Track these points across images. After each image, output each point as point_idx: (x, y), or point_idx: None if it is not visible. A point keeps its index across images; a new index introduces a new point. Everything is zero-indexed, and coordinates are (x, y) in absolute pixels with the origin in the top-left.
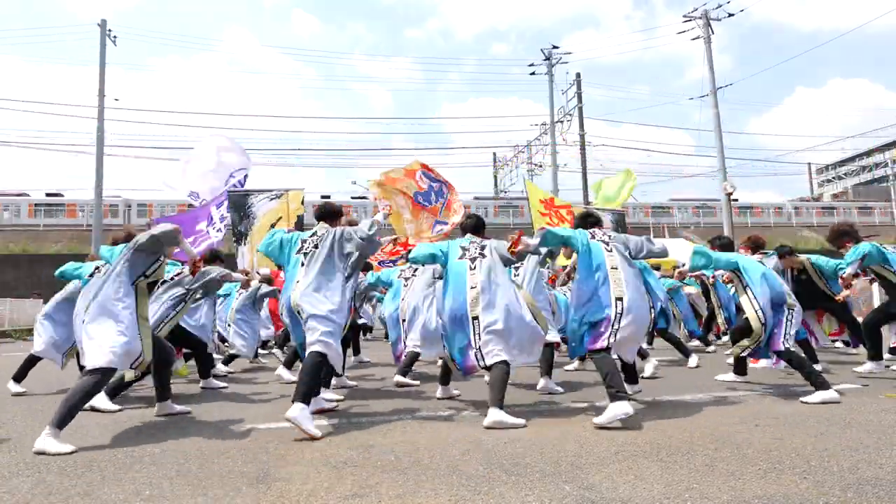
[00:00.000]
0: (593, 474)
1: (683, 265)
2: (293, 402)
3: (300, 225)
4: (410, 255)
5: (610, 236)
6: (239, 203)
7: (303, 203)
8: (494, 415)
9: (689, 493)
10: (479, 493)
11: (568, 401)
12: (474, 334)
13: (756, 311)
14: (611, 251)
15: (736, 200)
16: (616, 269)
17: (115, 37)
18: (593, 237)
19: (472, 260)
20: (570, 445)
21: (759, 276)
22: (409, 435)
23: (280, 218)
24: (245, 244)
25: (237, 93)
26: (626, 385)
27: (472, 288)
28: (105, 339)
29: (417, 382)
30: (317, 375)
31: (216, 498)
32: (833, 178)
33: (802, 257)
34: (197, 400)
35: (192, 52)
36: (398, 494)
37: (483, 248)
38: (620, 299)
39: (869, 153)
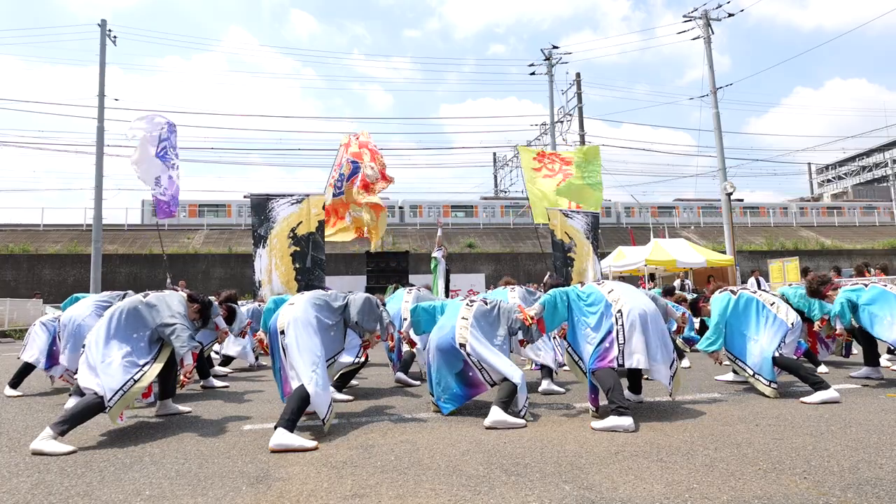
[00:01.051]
0: (593, 474)
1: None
2: (276, 427)
3: (321, 229)
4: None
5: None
6: (259, 207)
7: (324, 208)
8: (495, 414)
9: (689, 493)
10: (479, 493)
11: (568, 401)
12: (468, 356)
13: None
14: (601, 283)
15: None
16: (612, 290)
17: (115, 37)
18: (583, 284)
19: (472, 302)
20: (570, 445)
21: None
22: (409, 435)
23: (301, 223)
24: (264, 247)
25: (237, 93)
26: (629, 394)
27: (462, 318)
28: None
29: (418, 383)
30: (305, 405)
31: (216, 498)
32: (833, 178)
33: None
34: (197, 400)
35: (193, 52)
36: (398, 494)
37: (487, 300)
38: (620, 311)
39: (869, 153)
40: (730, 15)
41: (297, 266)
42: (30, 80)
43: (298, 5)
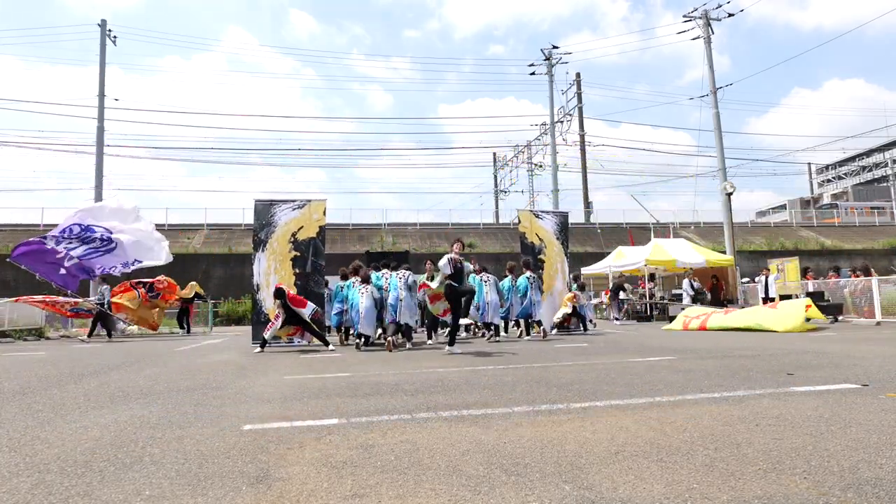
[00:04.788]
0: (593, 474)
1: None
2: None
3: (322, 235)
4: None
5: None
6: (262, 212)
7: (325, 213)
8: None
9: (689, 493)
10: (479, 493)
11: (568, 401)
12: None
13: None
14: (487, 281)
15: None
16: (487, 293)
17: (115, 37)
18: (481, 278)
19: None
20: (570, 445)
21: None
22: (409, 435)
23: (301, 227)
24: (263, 251)
25: (237, 93)
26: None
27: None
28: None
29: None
30: None
31: (216, 498)
32: (833, 178)
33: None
34: (197, 399)
35: (193, 52)
36: (398, 494)
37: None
38: (488, 303)
39: (869, 153)
40: (730, 15)
41: (297, 271)
42: (30, 80)
43: (298, 5)
